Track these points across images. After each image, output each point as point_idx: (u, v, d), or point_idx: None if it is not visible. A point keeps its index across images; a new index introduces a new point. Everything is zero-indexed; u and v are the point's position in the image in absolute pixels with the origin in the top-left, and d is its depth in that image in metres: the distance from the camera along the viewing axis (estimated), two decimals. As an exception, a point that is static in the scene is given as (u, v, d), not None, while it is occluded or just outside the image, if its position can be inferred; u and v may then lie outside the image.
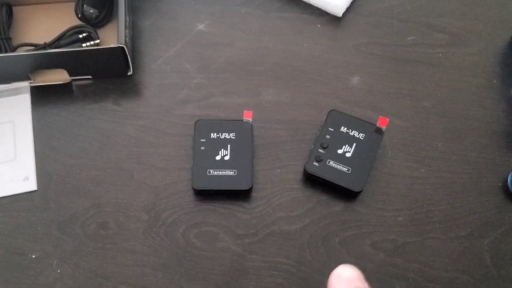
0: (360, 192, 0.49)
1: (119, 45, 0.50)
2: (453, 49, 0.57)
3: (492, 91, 0.55)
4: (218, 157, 0.49)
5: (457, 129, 0.53)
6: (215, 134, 0.50)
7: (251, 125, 0.51)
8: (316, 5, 0.59)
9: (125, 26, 0.52)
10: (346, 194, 0.49)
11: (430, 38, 0.58)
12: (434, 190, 0.50)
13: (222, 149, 0.49)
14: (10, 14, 0.56)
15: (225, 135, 0.50)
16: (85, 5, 0.54)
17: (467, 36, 0.58)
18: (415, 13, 0.59)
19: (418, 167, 0.51)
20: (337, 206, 0.49)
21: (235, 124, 0.51)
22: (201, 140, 0.50)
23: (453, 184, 0.51)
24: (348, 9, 0.59)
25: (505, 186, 0.50)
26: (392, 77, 0.56)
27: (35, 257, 0.47)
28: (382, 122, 0.50)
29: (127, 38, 0.51)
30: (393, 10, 0.59)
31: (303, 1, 0.59)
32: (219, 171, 0.48)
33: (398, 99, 0.54)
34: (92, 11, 0.55)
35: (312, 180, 0.50)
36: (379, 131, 0.50)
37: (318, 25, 0.58)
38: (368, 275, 0.46)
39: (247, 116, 0.51)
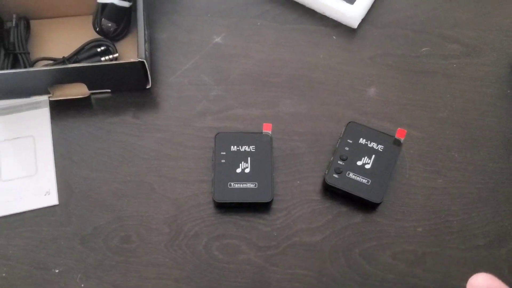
0: (379, 203, 0.49)
1: (140, 59, 0.50)
2: (467, 60, 0.58)
3: (506, 101, 0.56)
4: (238, 170, 0.49)
5: (473, 139, 0.54)
6: (235, 147, 0.50)
7: (271, 137, 0.51)
8: (331, 17, 0.59)
9: (145, 40, 0.52)
10: (365, 206, 0.50)
11: (444, 49, 0.58)
12: (451, 201, 0.51)
13: (243, 162, 0.50)
14: (28, 28, 0.57)
15: (245, 148, 0.50)
16: (103, 19, 0.55)
17: (480, 46, 0.59)
18: (429, 24, 0.60)
19: (436, 177, 0.52)
20: (357, 218, 0.50)
21: (255, 137, 0.51)
22: (222, 153, 0.50)
23: (470, 194, 0.51)
24: (362, 21, 0.59)
25: (522, 196, 0.51)
26: (407, 88, 0.56)
27: (58, 272, 0.47)
28: (401, 134, 0.51)
29: (146, 52, 0.52)
30: (407, 21, 0.60)
31: (318, 13, 0.60)
32: (240, 183, 0.49)
33: (414, 110, 0.55)
34: (110, 24, 0.55)
35: (331, 192, 0.51)
36: (397, 142, 0.51)
37: (334, 37, 0.59)
38: (389, 286, 0.47)
39: (267, 129, 0.51)
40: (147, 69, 0.52)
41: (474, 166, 0.52)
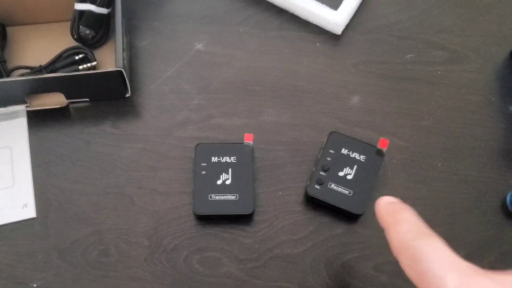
0: (361, 214, 0.49)
1: (117, 68, 0.49)
2: (452, 67, 0.57)
3: (491, 109, 0.55)
4: (219, 182, 0.49)
5: (457, 148, 0.53)
6: (216, 158, 0.50)
7: (252, 148, 0.50)
8: (314, 23, 0.59)
9: (123, 48, 0.51)
10: (348, 217, 0.49)
11: (428, 56, 0.58)
12: (435, 211, 0.51)
13: (223, 173, 0.49)
14: (4, 35, 0.55)
15: (226, 159, 0.50)
16: (81, 26, 0.54)
17: (465, 53, 0.58)
18: (414, 30, 0.59)
19: (419, 187, 0.51)
20: (339, 229, 0.49)
21: (236, 148, 0.50)
22: (202, 164, 0.49)
23: (454, 205, 0.51)
24: (346, 27, 0.58)
25: (504, 206, 0.50)
26: (392, 96, 0.56)
27: (36, 286, 0.46)
28: (383, 144, 0.50)
29: (125, 61, 0.51)
30: (391, 27, 0.59)
31: (302, 19, 0.59)
32: (221, 195, 0.48)
33: (397, 119, 0.54)
34: (88, 31, 0.54)
35: (313, 203, 0.50)
36: (379, 152, 0.50)
37: (317, 44, 0.58)
38: (371, 299, 0.46)
39: (248, 139, 0.50)
40: (126, 78, 0.51)
41: (458, 176, 0.52)
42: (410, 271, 0.34)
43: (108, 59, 0.56)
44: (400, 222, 0.36)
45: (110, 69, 0.49)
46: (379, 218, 0.39)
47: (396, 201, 0.40)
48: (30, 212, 0.49)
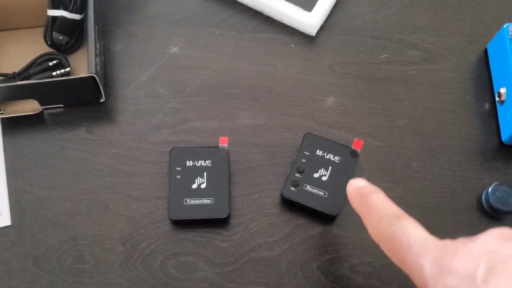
0: (337, 216, 0.49)
1: (90, 74, 0.49)
2: (427, 66, 0.57)
3: (466, 108, 0.55)
4: (194, 186, 0.49)
5: (431, 147, 0.53)
6: (191, 162, 0.50)
7: (227, 151, 0.50)
8: (289, 25, 0.59)
9: (95, 54, 0.51)
10: (323, 218, 0.49)
11: (403, 55, 0.58)
12: (410, 210, 0.50)
13: (199, 177, 0.49)
14: (-23, 42, 0.55)
15: (201, 163, 0.50)
16: (54, 32, 0.53)
17: (440, 52, 0.58)
18: (388, 30, 0.59)
19: (394, 187, 0.51)
20: (314, 230, 0.49)
21: (211, 151, 0.50)
22: (177, 168, 0.49)
23: (429, 204, 0.51)
24: (321, 28, 0.58)
25: (479, 205, 0.51)
26: (367, 96, 0.56)
27: (10, 295, 0.46)
28: (357, 145, 0.50)
29: (97, 67, 0.51)
30: (366, 27, 0.59)
31: (276, 21, 0.59)
32: (196, 199, 0.48)
33: (372, 119, 0.54)
34: (61, 37, 0.54)
35: (289, 205, 0.50)
36: (354, 153, 0.50)
37: (292, 45, 0.58)
38: (346, 300, 0.47)
39: (223, 142, 0.50)
40: (99, 83, 0.51)
41: (433, 175, 0.52)
42: (392, 257, 0.36)
43: (83, 65, 0.56)
44: (370, 210, 0.38)
45: (83, 75, 0.49)
46: (352, 206, 0.40)
47: (364, 184, 0.41)
48: (5, 220, 0.49)
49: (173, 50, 0.57)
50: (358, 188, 0.41)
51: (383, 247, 0.37)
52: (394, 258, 0.35)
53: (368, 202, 0.39)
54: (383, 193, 0.40)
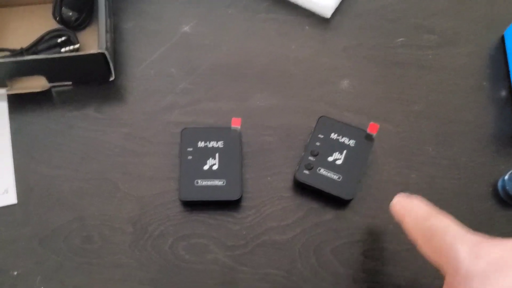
0: (351, 200, 0.48)
1: (100, 51, 0.48)
2: (443, 51, 0.56)
3: (482, 94, 0.54)
4: (206, 167, 0.48)
5: (447, 133, 0.52)
6: (203, 142, 0.48)
7: (240, 132, 0.49)
8: (303, 6, 0.57)
9: (106, 30, 0.50)
10: (337, 202, 0.49)
11: (419, 39, 0.57)
12: (425, 196, 0.49)
13: (210, 158, 0.48)
14: (-17, 16, 0.53)
15: (212, 144, 0.49)
16: (63, 8, 0.52)
17: (456, 37, 0.57)
18: (404, 14, 0.58)
19: (409, 172, 0.50)
20: (328, 214, 0.48)
21: (223, 132, 0.49)
22: (188, 149, 0.48)
23: (444, 190, 0.50)
24: (336, 10, 0.57)
25: (495, 191, 0.50)
26: (382, 80, 0.55)
27: (17, 274, 0.45)
28: (373, 128, 0.49)
29: (108, 43, 0.49)
30: (382, 10, 0.58)
31: (291, 2, 0.58)
32: (208, 181, 0.47)
33: (388, 103, 0.53)
34: (71, 13, 0.52)
35: (302, 188, 0.49)
36: (369, 137, 0.49)
37: (306, 27, 0.57)
38: (360, 285, 0.46)
39: (235, 124, 0.49)
40: (109, 61, 0.49)
41: (448, 161, 0.51)
42: (427, 250, 0.37)
43: (92, 42, 0.54)
44: (411, 210, 0.40)
45: (93, 51, 0.48)
46: (395, 216, 0.42)
47: (404, 195, 0.43)
48: (11, 198, 0.47)
49: (185, 29, 0.56)
50: (401, 197, 0.43)
51: (420, 240, 0.38)
52: (429, 249, 0.37)
53: (409, 205, 0.41)
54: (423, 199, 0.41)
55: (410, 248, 0.47)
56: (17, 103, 0.51)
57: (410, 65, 0.55)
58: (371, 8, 0.58)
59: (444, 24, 0.58)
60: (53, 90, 0.52)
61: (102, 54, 0.48)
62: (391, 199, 0.49)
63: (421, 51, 0.56)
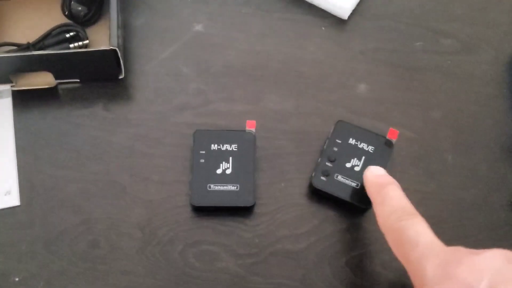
0: (368, 208, 0.46)
1: (112, 47, 0.46)
2: (462, 57, 0.55)
3: (502, 102, 0.53)
4: (219, 171, 0.46)
5: (466, 142, 0.51)
6: (216, 145, 0.47)
7: (254, 136, 0.47)
8: (320, 7, 0.56)
9: (118, 26, 0.48)
10: (354, 210, 0.47)
11: (438, 45, 0.55)
12: (443, 206, 0.48)
13: (224, 162, 0.46)
14: (-12, 9, 0.51)
15: (226, 147, 0.47)
16: (73, 2, 0.50)
17: (476, 43, 0.56)
18: (423, 18, 0.56)
19: (428, 181, 0.49)
20: (344, 223, 0.47)
21: (237, 135, 0.47)
22: (201, 152, 0.46)
23: (463, 200, 0.48)
24: (353, 12, 0.56)
25: (516, 203, 0.48)
26: (400, 85, 0.53)
27: (18, 280, 0.43)
28: (392, 134, 0.47)
29: (119, 40, 0.47)
30: (400, 14, 0.57)
31: (306, 2, 0.56)
32: (220, 186, 0.45)
33: (406, 109, 0.52)
34: (80, 8, 0.50)
35: (318, 195, 0.47)
36: (388, 143, 0.47)
37: (323, 28, 0.55)
38: (377, 298, 0.44)
39: (250, 126, 0.47)
40: (120, 58, 0.47)
41: (467, 170, 0.50)
42: (395, 251, 0.36)
43: (101, 38, 0.52)
44: (385, 200, 0.38)
45: (103, 48, 0.46)
46: (367, 192, 0.41)
47: (382, 173, 0.42)
48: (13, 199, 0.45)
49: (197, 27, 0.54)
50: (377, 176, 0.42)
51: (389, 238, 0.37)
52: (397, 252, 0.36)
53: (385, 193, 0.39)
54: (399, 187, 0.40)
55: (428, 260, 0.46)
56: (22, 99, 0.49)
57: (428, 70, 0.54)
58: (389, 11, 0.57)
59: (464, 29, 0.56)
60: (60, 87, 0.50)
61: (114, 51, 0.46)
62: (409, 209, 0.47)
63: (440, 56, 0.55)
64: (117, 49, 0.46)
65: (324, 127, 0.50)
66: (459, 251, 0.32)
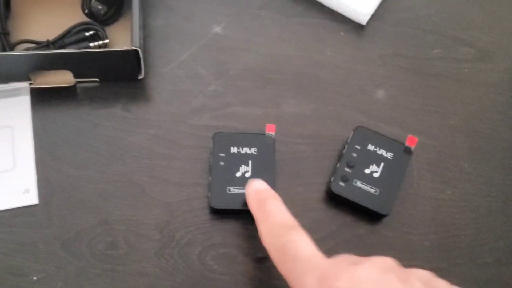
0: (386, 215, 0.46)
1: (134, 47, 0.46)
2: (480, 65, 0.55)
3: (519, 111, 0.53)
4: (238, 174, 0.46)
5: (483, 149, 0.51)
6: (235, 148, 0.47)
7: (274, 139, 0.47)
8: (338, 11, 0.56)
9: (140, 26, 0.47)
10: (371, 216, 0.47)
11: (456, 52, 0.55)
12: (460, 214, 0.48)
13: (243, 165, 0.46)
14: (8, 5, 0.51)
15: (246, 150, 0.47)
16: (93, 0, 0.50)
17: (494, 51, 0.56)
18: (441, 25, 0.57)
19: (444, 188, 0.49)
20: (362, 229, 0.47)
21: (257, 138, 0.47)
22: (220, 154, 0.46)
23: (479, 208, 0.49)
24: (372, 17, 0.56)
25: (532, 212, 0.48)
26: (418, 91, 0.53)
27: (36, 279, 0.42)
28: (411, 141, 0.48)
29: (141, 40, 0.47)
30: (418, 20, 0.57)
31: (325, 7, 0.56)
32: (240, 189, 0.45)
33: (424, 116, 0.52)
34: (100, 7, 0.50)
35: (335, 200, 0.47)
36: (407, 150, 0.48)
37: (341, 33, 0.55)
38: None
39: (270, 130, 0.47)
40: (141, 59, 0.47)
41: (484, 178, 0.50)
42: (279, 268, 0.35)
43: (119, 38, 0.52)
44: (265, 216, 0.38)
45: (126, 48, 0.45)
46: (250, 208, 0.40)
47: (263, 187, 0.41)
48: (31, 198, 0.45)
49: (216, 29, 0.54)
50: (258, 191, 0.41)
51: (272, 255, 0.36)
52: (281, 269, 0.35)
53: (264, 209, 0.39)
54: (280, 200, 0.40)
55: (445, 266, 0.46)
56: (40, 98, 0.49)
57: (446, 77, 0.54)
58: (407, 17, 0.57)
59: (482, 37, 0.56)
60: (78, 86, 0.50)
61: (135, 51, 0.46)
62: (426, 216, 0.48)
63: (458, 64, 0.55)
64: (139, 49, 0.46)
65: (342, 132, 0.50)
66: (339, 264, 0.33)
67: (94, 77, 0.50)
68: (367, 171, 0.47)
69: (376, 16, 0.56)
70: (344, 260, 0.33)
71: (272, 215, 0.38)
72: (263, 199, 0.40)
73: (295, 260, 0.34)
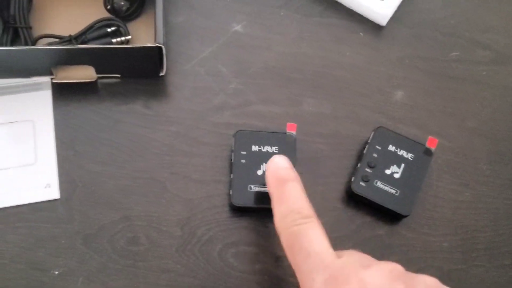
0: (406, 215, 0.46)
1: (158, 44, 0.46)
2: (497, 68, 0.55)
3: (536, 114, 0.53)
4: (259, 172, 0.46)
5: (501, 152, 0.51)
6: (257, 146, 0.47)
7: (295, 138, 0.47)
8: (358, 12, 0.56)
9: (163, 23, 0.47)
10: (390, 217, 0.47)
11: (473, 55, 0.56)
12: (479, 216, 0.49)
13: (264, 164, 0.46)
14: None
15: (267, 148, 0.47)
16: (115, -4, 0.50)
17: (511, 54, 0.56)
18: (459, 28, 0.57)
19: (463, 190, 0.49)
20: (381, 229, 0.47)
21: (278, 137, 0.47)
22: (242, 152, 0.46)
23: (498, 210, 0.49)
24: (391, 18, 0.56)
25: (550, 214, 0.49)
26: (436, 93, 0.53)
27: (58, 274, 0.42)
28: (432, 143, 0.48)
29: (164, 37, 0.47)
30: (437, 23, 0.57)
31: (345, 7, 0.56)
32: (261, 187, 0.45)
33: (442, 118, 0.52)
34: (123, 3, 0.50)
35: (356, 200, 0.47)
36: (428, 152, 0.48)
37: (361, 33, 0.55)
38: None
39: (291, 129, 0.48)
40: (164, 56, 0.47)
41: (502, 180, 0.50)
42: (288, 255, 0.35)
43: (141, 34, 0.52)
44: (283, 199, 0.37)
45: (150, 45, 0.46)
46: (267, 184, 0.39)
47: (285, 166, 0.39)
48: (53, 192, 0.45)
49: (236, 28, 0.54)
50: (280, 168, 0.39)
51: (283, 240, 0.36)
52: (290, 258, 0.35)
53: (283, 190, 0.37)
54: (301, 184, 0.38)
55: (464, 268, 0.46)
56: (62, 92, 0.49)
57: (464, 80, 0.54)
58: (426, 19, 0.57)
59: (499, 40, 0.57)
60: (100, 82, 0.50)
61: (159, 48, 0.46)
62: (445, 217, 0.48)
63: (475, 66, 0.55)
64: (162, 46, 0.46)
65: (361, 132, 0.50)
66: (349, 266, 0.32)
67: (115, 73, 0.50)
68: (387, 171, 0.47)
69: (394, 17, 0.56)
70: (354, 261, 0.33)
71: (291, 199, 0.36)
72: (283, 179, 0.38)
73: (305, 253, 0.33)
